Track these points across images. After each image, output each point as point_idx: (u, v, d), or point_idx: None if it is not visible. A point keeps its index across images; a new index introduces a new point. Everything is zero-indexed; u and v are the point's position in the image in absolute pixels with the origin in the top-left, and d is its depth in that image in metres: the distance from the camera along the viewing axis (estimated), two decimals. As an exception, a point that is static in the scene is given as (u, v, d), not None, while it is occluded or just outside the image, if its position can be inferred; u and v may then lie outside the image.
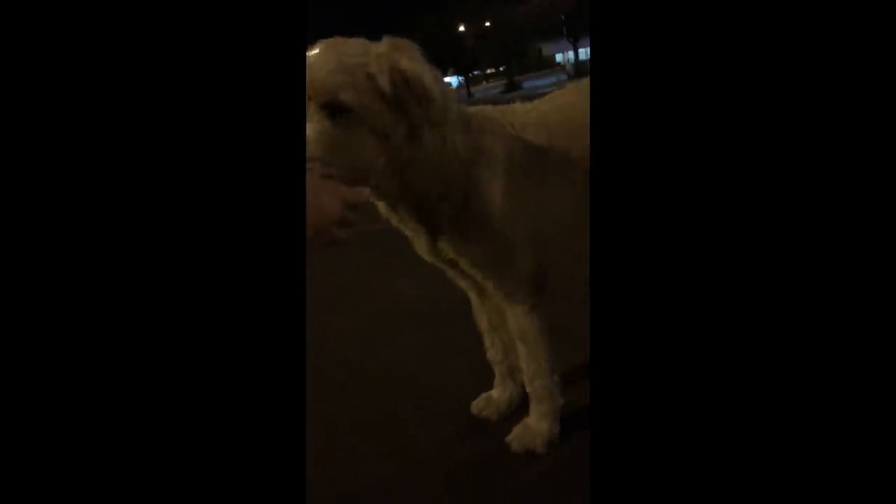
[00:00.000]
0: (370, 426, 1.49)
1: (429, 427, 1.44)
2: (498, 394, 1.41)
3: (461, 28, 29.42)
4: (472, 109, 1.12)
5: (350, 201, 0.69)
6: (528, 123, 1.13)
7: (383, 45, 0.89)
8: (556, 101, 1.22)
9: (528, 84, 25.05)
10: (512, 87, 25.84)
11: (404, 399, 1.57)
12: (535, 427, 1.24)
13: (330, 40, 0.89)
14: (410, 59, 0.87)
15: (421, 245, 1.14)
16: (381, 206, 1.08)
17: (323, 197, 0.64)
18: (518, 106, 1.20)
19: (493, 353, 1.40)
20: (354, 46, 0.88)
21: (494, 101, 1.32)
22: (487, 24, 28.58)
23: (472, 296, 1.36)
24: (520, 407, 1.38)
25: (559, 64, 37.45)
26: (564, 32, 26.60)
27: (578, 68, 23.95)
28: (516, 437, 1.26)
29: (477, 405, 1.42)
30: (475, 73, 39.00)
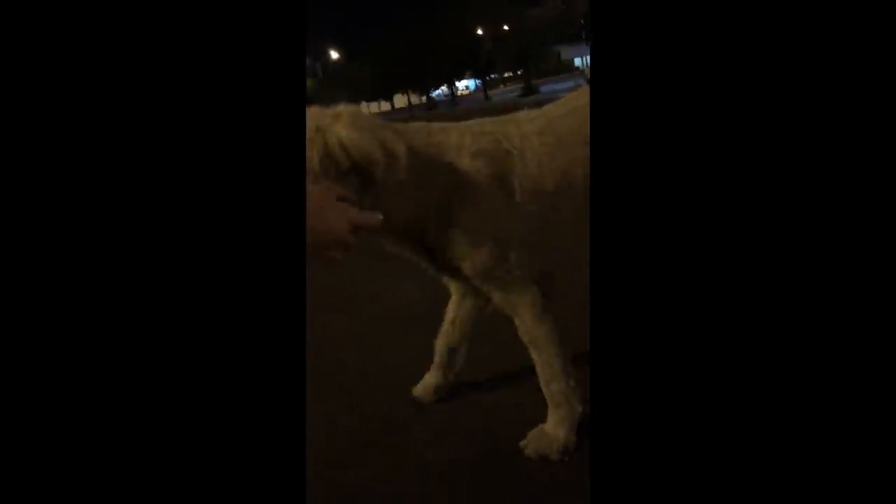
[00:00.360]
0: (371, 429, 1.49)
1: (428, 429, 1.43)
2: (431, 378, 1.52)
3: (479, 31, 29.44)
4: (464, 125, 1.15)
5: (357, 223, 0.67)
6: (531, 132, 1.14)
7: (327, 117, 0.95)
8: (569, 104, 1.22)
9: (546, 88, 24.98)
10: (529, 90, 25.78)
11: (405, 401, 1.56)
12: (552, 433, 1.22)
13: None
14: (349, 127, 0.93)
15: (422, 263, 1.20)
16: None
17: (329, 213, 0.64)
18: (523, 114, 1.20)
19: (440, 342, 1.48)
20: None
21: (514, 105, 1.31)
22: (505, 27, 28.56)
23: (453, 291, 1.43)
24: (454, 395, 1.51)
25: (578, 68, 37.29)
26: (583, 36, 26.48)
27: (596, 73, 23.74)
28: (531, 442, 1.24)
29: (417, 388, 1.54)
30: (492, 76, 38.98)
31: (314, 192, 0.67)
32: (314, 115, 0.96)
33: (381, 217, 0.71)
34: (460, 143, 1.08)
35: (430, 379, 1.53)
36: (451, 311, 1.46)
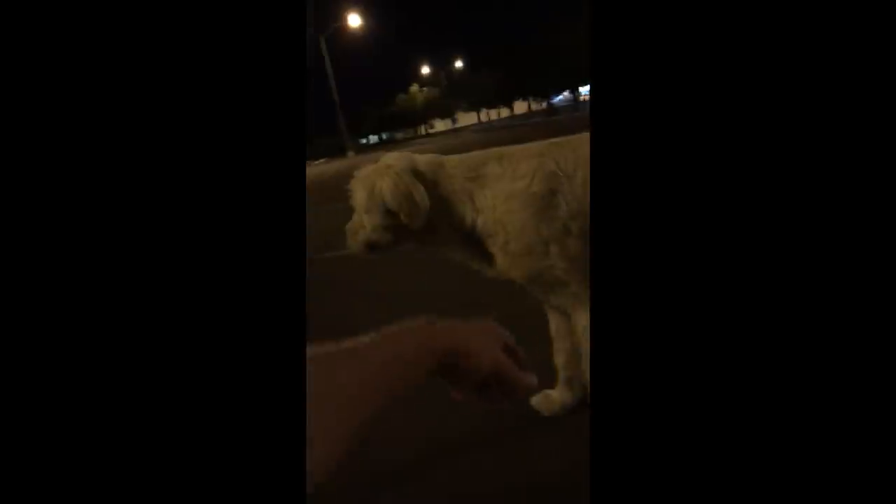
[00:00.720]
0: (479, 431, 1.50)
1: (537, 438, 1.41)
2: (557, 394, 1.50)
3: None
4: (513, 150, 1.27)
5: (502, 370, 0.57)
6: (585, 156, 1.22)
7: (381, 167, 1.24)
8: None
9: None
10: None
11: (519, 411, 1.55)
12: None
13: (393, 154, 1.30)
14: (393, 178, 1.20)
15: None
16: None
17: (475, 344, 0.55)
18: (587, 136, 1.28)
19: (557, 360, 1.48)
20: (363, 169, 1.29)
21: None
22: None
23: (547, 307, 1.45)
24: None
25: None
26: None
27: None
28: None
29: (536, 400, 1.49)
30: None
31: (485, 322, 0.60)
32: (376, 164, 1.26)
33: (535, 381, 0.60)
34: (501, 173, 1.23)
35: (556, 394, 1.49)
36: (552, 326, 1.48)
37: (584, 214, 1.20)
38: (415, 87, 55.81)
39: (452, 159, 1.28)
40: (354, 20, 28.97)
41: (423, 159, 1.26)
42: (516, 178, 1.20)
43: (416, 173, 1.22)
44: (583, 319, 1.26)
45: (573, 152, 1.23)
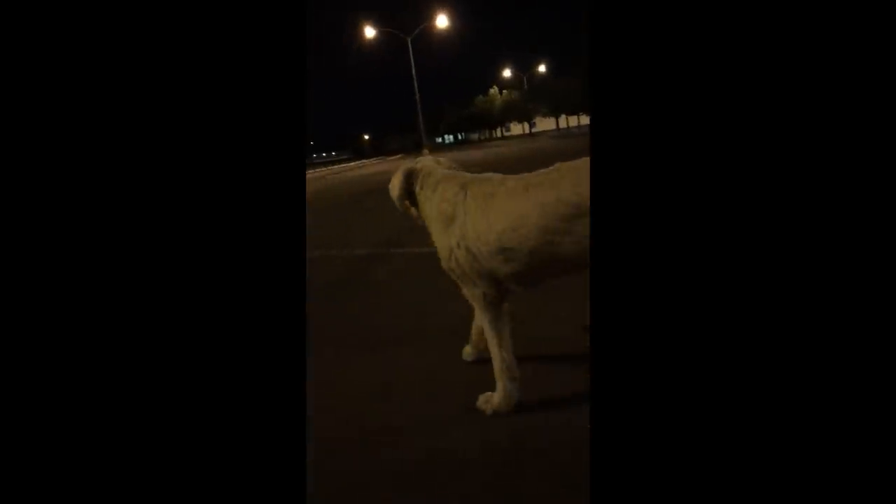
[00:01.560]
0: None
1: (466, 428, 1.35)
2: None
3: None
4: (457, 177, 1.64)
5: None
6: (479, 194, 1.54)
7: (412, 167, 1.75)
8: (535, 180, 1.54)
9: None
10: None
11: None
12: (492, 398, 1.63)
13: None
14: (399, 178, 1.72)
15: None
16: None
17: None
18: (511, 182, 1.53)
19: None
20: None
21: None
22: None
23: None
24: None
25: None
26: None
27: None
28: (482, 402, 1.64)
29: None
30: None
31: None
32: (413, 164, 1.75)
33: None
34: (441, 189, 1.64)
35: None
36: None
37: (469, 238, 1.55)
38: (494, 90, 55.70)
39: (436, 171, 1.71)
40: (442, 21, 29.36)
41: (424, 166, 1.73)
42: (443, 200, 1.61)
43: (412, 175, 1.70)
44: (477, 309, 1.64)
45: (481, 188, 1.56)
